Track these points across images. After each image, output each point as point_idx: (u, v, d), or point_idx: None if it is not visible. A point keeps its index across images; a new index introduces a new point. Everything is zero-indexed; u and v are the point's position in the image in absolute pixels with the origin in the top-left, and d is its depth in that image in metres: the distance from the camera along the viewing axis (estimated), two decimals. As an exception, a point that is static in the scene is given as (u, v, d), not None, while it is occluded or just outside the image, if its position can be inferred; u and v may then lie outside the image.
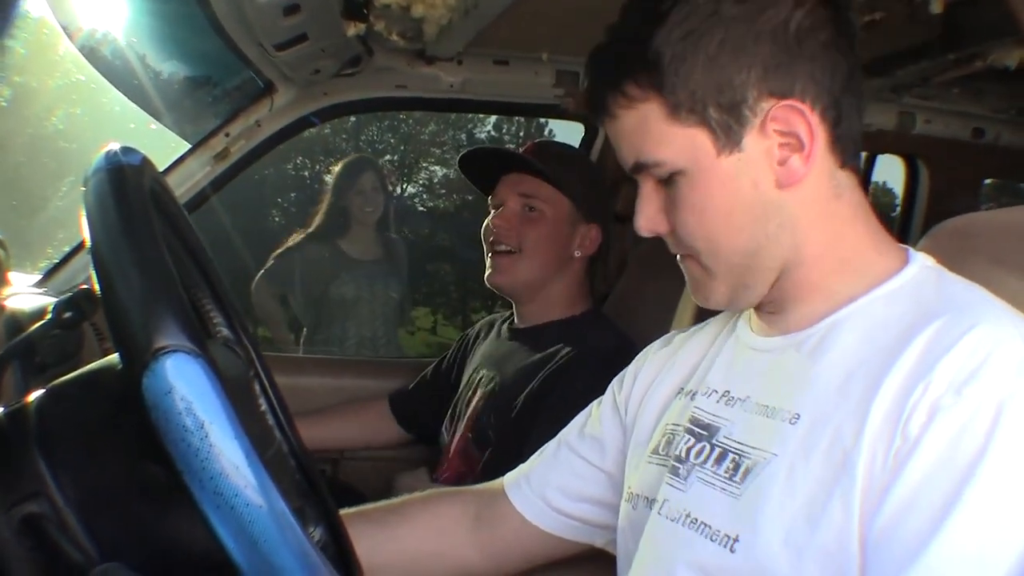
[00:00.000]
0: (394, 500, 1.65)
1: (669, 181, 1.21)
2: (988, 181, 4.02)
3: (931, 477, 0.97)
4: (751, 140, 1.16)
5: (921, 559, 0.95)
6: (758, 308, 1.31)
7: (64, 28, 2.44)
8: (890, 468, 1.00)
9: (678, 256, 1.29)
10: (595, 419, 1.55)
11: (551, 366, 2.27)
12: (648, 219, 1.26)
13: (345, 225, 4.52)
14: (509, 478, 1.61)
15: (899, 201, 3.70)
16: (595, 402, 1.59)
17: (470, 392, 2.49)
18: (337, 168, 4.67)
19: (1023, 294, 1.20)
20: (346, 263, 4.48)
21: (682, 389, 1.38)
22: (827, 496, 1.04)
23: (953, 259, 1.24)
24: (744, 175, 1.17)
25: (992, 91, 3.12)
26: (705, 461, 1.22)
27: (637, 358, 1.55)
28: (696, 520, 1.19)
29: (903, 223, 3.61)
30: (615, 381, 1.57)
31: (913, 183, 3.58)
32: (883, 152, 3.55)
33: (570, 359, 2.25)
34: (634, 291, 2.80)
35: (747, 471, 1.15)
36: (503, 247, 2.42)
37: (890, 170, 3.69)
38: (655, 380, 1.45)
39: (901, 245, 1.25)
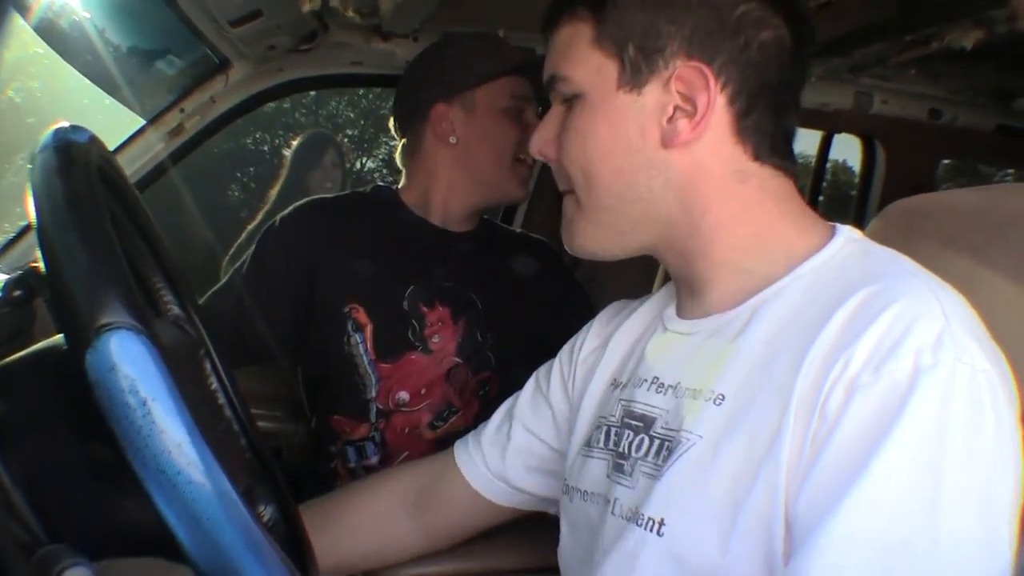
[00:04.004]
0: (334, 494, 1.69)
1: (571, 105, 1.24)
2: (945, 162, 4.05)
3: (845, 454, 0.97)
4: (652, 89, 1.18)
5: (823, 529, 0.95)
6: (679, 290, 1.31)
7: (16, 4, 2.41)
8: (810, 448, 1.00)
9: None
10: (543, 395, 1.55)
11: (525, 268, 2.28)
12: (542, 140, 1.30)
13: None
14: (461, 455, 1.60)
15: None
16: (540, 371, 1.59)
17: (408, 308, 2.23)
18: (295, 143, 4.62)
19: (972, 274, 1.22)
20: None
21: (614, 380, 1.38)
22: (752, 477, 1.03)
23: (904, 239, 1.25)
24: (633, 118, 1.19)
25: (949, 72, 3.15)
26: (647, 454, 1.20)
27: (582, 330, 1.54)
28: (635, 511, 1.18)
29: (860, 202, 3.63)
30: (563, 351, 1.56)
31: (870, 163, 3.61)
32: (840, 131, 3.57)
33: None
34: (604, 268, 2.83)
35: (669, 452, 1.15)
36: (530, 160, 2.25)
37: (851, 149, 3.71)
38: (592, 367, 1.44)
39: (828, 223, 1.24)
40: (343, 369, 2.20)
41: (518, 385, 1.63)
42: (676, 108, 1.17)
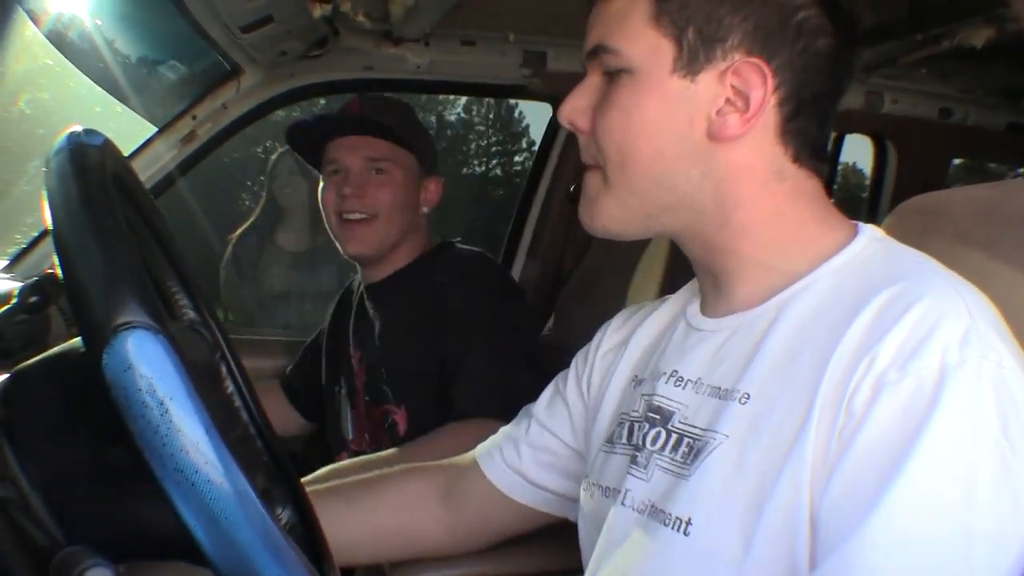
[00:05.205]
0: (368, 475, 1.66)
1: (614, 78, 1.20)
2: (956, 161, 4.05)
3: (874, 452, 0.96)
4: (707, 78, 1.15)
5: (859, 532, 0.94)
6: (703, 285, 1.30)
7: (29, 13, 2.42)
8: (836, 445, 0.99)
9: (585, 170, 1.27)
10: (560, 395, 1.55)
11: (428, 297, 2.33)
12: (574, 108, 1.24)
13: (279, 215, 4.46)
14: (481, 450, 1.61)
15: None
16: (559, 376, 1.59)
17: (349, 358, 2.55)
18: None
19: (985, 270, 1.21)
20: (276, 255, 4.44)
21: (635, 377, 1.37)
22: (776, 475, 1.03)
23: (917, 236, 1.25)
24: (684, 104, 1.16)
25: (959, 71, 3.14)
26: (663, 448, 1.20)
27: (598, 333, 1.54)
28: (658, 509, 1.16)
29: (872, 202, 3.62)
30: (579, 355, 1.55)
31: (881, 163, 3.60)
32: (851, 131, 3.57)
33: (442, 283, 2.33)
34: (595, 271, 2.82)
35: (696, 452, 1.14)
36: (357, 215, 2.37)
37: (862, 151, 3.70)
38: (612, 364, 1.44)
39: (852, 221, 1.23)
40: (333, 411, 2.61)
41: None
42: (727, 101, 1.16)
